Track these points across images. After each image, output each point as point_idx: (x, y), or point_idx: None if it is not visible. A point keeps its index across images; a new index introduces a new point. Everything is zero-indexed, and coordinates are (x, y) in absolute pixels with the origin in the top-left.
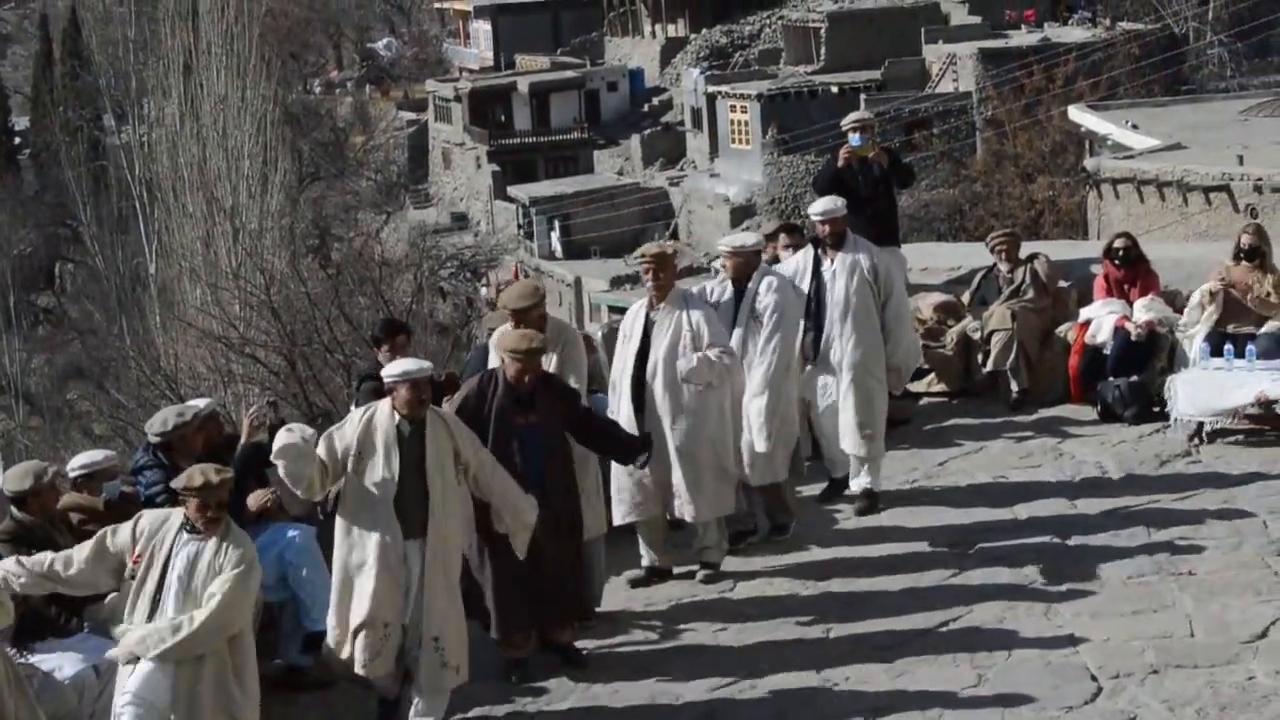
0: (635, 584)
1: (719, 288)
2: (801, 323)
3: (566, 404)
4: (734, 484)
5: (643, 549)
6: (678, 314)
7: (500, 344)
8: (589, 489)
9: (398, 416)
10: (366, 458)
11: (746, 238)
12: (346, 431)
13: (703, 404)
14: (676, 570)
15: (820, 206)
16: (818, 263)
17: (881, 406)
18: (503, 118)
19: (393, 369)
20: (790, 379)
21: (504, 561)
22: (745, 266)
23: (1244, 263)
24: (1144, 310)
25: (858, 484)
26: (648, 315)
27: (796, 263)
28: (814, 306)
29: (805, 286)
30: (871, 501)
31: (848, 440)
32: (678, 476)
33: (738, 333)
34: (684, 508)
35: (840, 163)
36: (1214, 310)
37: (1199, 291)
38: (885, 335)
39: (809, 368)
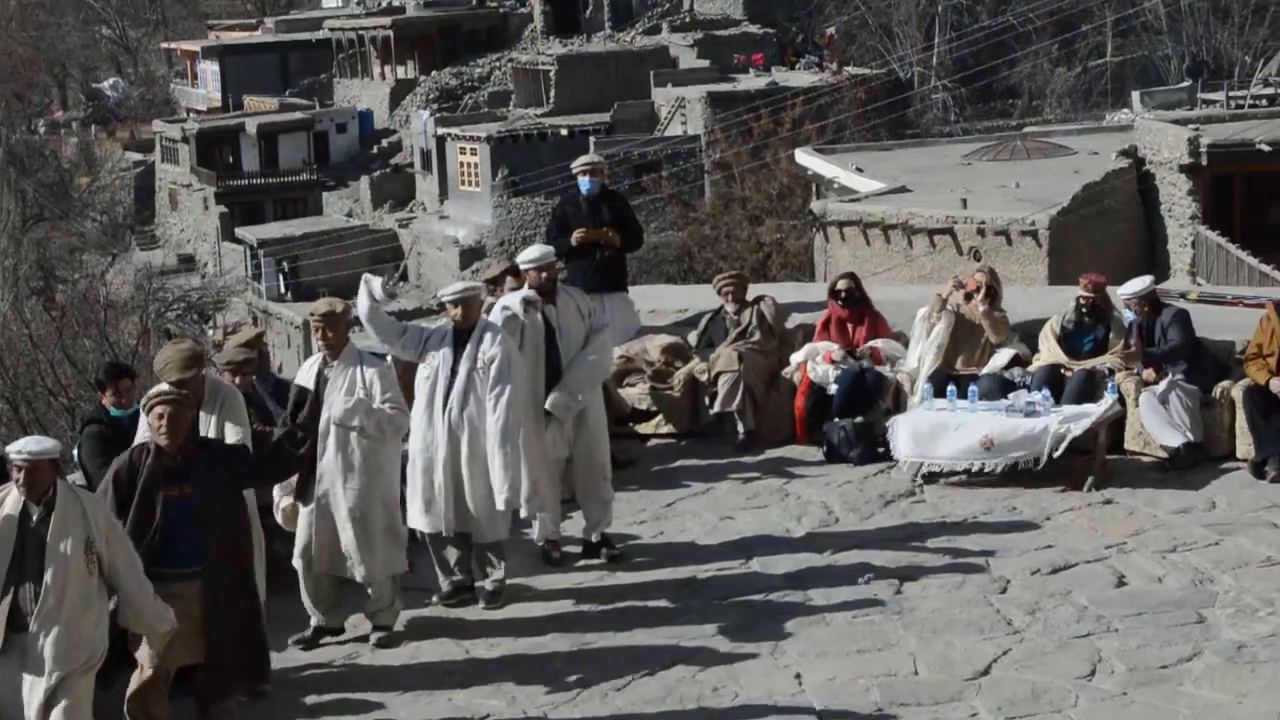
0: (301, 643)
1: (438, 338)
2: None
3: (227, 466)
4: (404, 543)
5: (309, 607)
6: (352, 370)
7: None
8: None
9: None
10: None
11: (471, 283)
12: None
13: (375, 462)
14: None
15: (533, 254)
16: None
17: (604, 455)
18: (231, 159)
19: (13, 448)
20: (524, 431)
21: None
22: (469, 315)
23: (975, 302)
24: (889, 353)
25: (594, 534)
26: (321, 372)
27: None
28: (550, 354)
29: (541, 336)
30: (612, 547)
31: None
32: (348, 537)
33: (459, 383)
34: (355, 568)
35: (575, 243)
36: (944, 331)
37: (920, 313)
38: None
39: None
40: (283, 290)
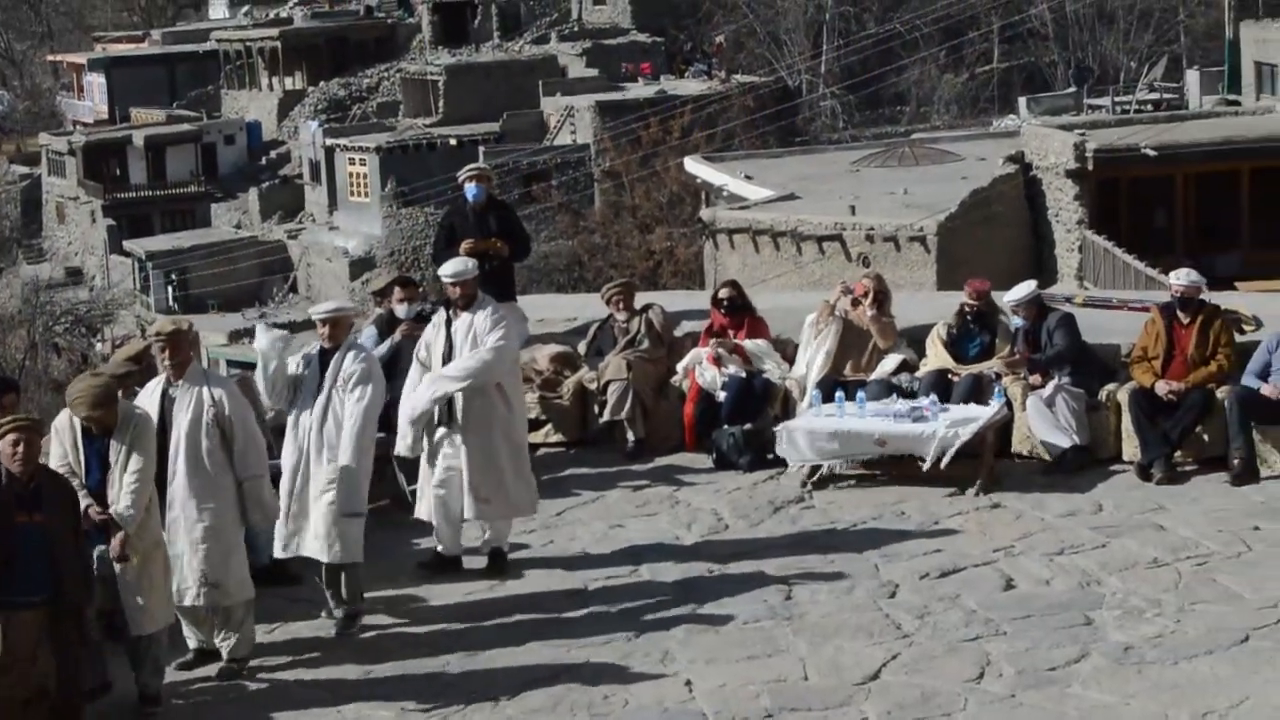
0: (184, 667)
1: (302, 357)
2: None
3: (70, 497)
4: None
5: (185, 631)
6: (197, 390)
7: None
8: (155, 577)
9: None
10: None
11: (342, 303)
12: None
13: (226, 484)
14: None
15: (451, 268)
16: (449, 324)
17: (505, 465)
18: (118, 171)
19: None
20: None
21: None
22: (336, 335)
23: (863, 308)
24: (754, 350)
25: (487, 545)
26: (166, 392)
27: (433, 329)
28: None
29: (440, 348)
30: (500, 563)
31: (466, 504)
32: (199, 560)
33: (320, 400)
34: (206, 594)
35: (463, 253)
36: (832, 337)
37: (808, 319)
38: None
39: (441, 430)
40: (172, 303)
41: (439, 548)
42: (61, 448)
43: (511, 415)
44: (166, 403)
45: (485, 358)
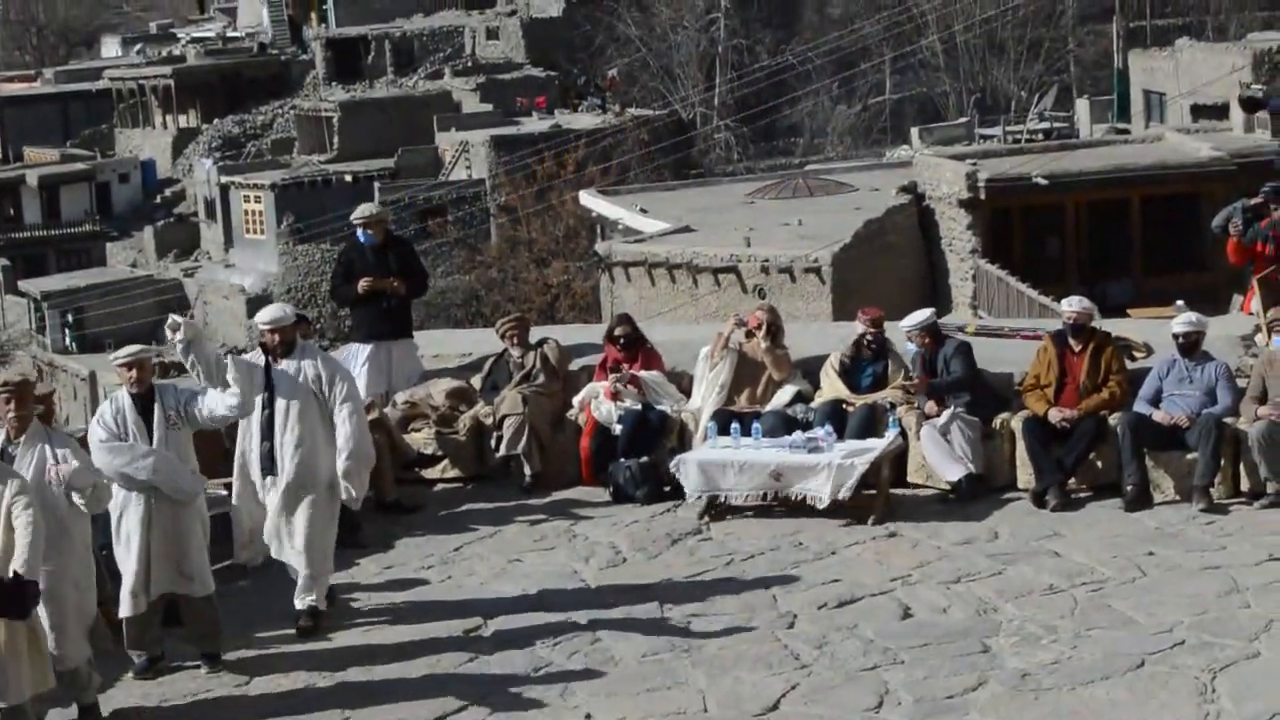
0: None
1: (116, 402)
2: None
3: None
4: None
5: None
6: (39, 447)
7: None
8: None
9: None
10: None
11: (140, 349)
12: None
13: (66, 542)
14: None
15: (269, 314)
16: (269, 370)
17: (323, 520)
18: (12, 211)
19: None
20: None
21: None
22: (143, 379)
23: (757, 340)
24: (650, 381)
25: (301, 602)
26: (4, 450)
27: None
28: (266, 415)
29: (259, 397)
30: (315, 621)
31: (290, 555)
32: (45, 622)
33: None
34: (54, 646)
35: (361, 290)
36: (726, 369)
37: (703, 352)
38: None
39: (267, 480)
40: (68, 343)
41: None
42: None
43: (334, 465)
44: (6, 460)
45: (357, 428)
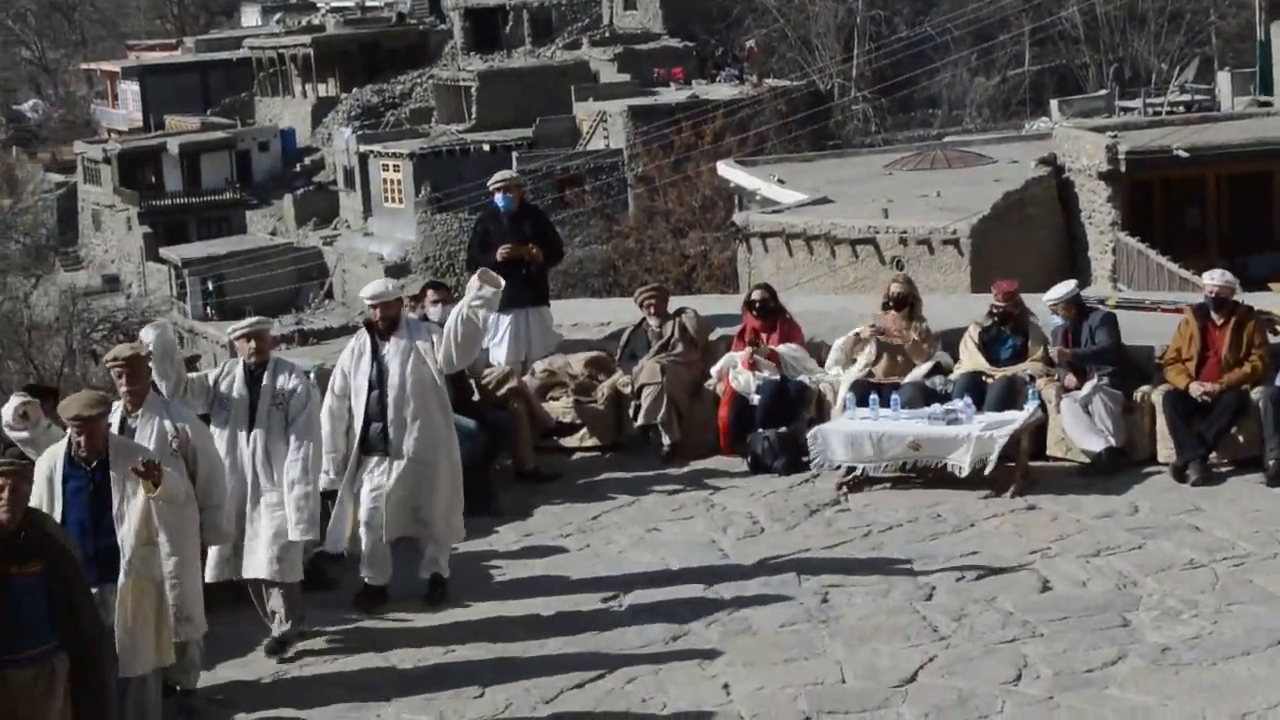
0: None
1: (229, 374)
2: (358, 411)
3: (69, 554)
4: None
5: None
6: (157, 420)
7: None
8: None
9: None
10: None
11: (257, 320)
12: None
13: (179, 523)
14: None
15: (372, 290)
16: (376, 348)
17: (449, 490)
18: (153, 179)
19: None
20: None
21: None
22: (265, 347)
23: (893, 312)
24: (788, 355)
25: (427, 572)
26: (124, 422)
27: (351, 354)
28: (375, 396)
29: (366, 372)
30: (443, 590)
31: (416, 530)
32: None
33: (260, 419)
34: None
35: (500, 259)
36: (869, 355)
37: (844, 337)
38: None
39: (375, 458)
40: (208, 310)
41: (368, 578)
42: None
43: (451, 436)
44: (126, 434)
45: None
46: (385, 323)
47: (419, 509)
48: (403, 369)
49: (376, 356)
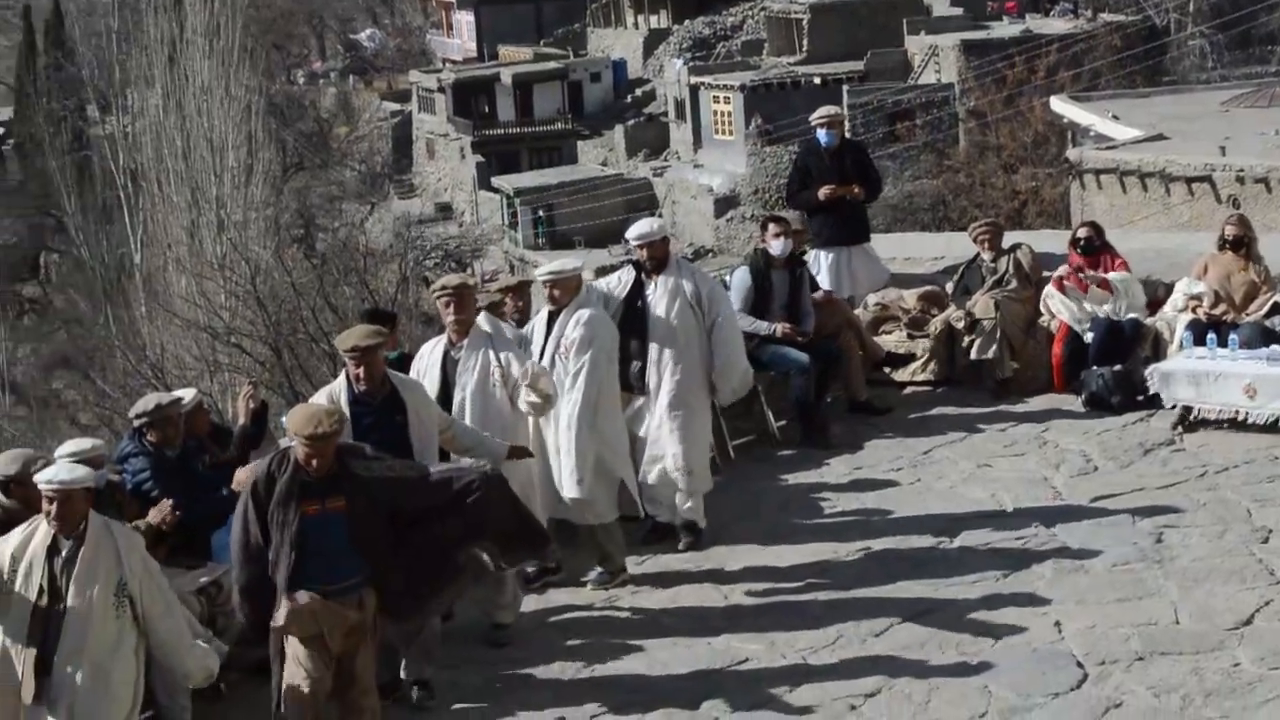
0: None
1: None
2: (616, 355)
3: (383, 490)
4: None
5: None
6: (482, 352)
7: (289, 425)
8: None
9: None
10: (20, 570)
11: (565, 263)
12: (12, 537)
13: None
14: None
15: (638, 230)
16: (640, 288)
17: (701, 436)
18: (486, 109)
19: (43, 476)
20: (607, 416)
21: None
22: (563, 297)
23: (1229, 253)
24: (1117, 282)
25: (680, 516)
26: (447, 353)
27: (614, 286)
28: (639, 334)
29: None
30: (695, 536)
31: (669, 469)
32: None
33: (544, 365)
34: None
35: (822, 198)
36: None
37: (1181, 295)
38: (712, 361)
39: (639, 400)
40: (539, 239)
41: (658, 516)
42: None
43: (706, 385)
44: (448, 363)
45: (735, 349)
46: (652, 262)
47: (672, 451)
48: (668, 310)
49: (641, 297)
